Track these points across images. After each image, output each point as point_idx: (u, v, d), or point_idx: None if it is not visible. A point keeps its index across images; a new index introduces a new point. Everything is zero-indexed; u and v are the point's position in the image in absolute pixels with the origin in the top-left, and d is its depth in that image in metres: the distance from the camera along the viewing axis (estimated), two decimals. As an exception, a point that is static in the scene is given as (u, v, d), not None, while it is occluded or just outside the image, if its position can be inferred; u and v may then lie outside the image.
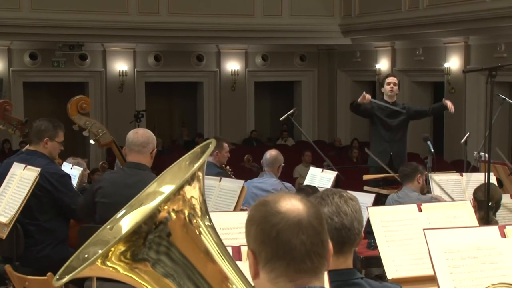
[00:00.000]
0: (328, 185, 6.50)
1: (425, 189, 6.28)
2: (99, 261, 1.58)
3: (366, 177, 7.28)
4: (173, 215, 1.61)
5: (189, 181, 1.66)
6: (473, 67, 12.12)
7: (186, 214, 1.64)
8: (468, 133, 7.93)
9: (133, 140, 4.49)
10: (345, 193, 2.50)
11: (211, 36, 15.13)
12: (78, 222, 5.06)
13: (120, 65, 15.98)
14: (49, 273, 3.74)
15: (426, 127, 14.52)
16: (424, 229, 2.67)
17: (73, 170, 5.94)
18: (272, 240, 1.64)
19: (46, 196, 4.91)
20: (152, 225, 1.59)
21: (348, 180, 8.26)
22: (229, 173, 6.78)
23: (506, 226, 2.63)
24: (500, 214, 5.17)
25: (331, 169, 7.10)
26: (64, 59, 15.55)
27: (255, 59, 17.14)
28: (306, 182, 6.87)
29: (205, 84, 16.98)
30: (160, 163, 4.54)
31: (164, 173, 1.85)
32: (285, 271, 1.64)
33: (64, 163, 6.27)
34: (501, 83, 12.71)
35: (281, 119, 7.92)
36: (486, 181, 4.28)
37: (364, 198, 5.12)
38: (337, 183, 7.00)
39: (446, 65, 13.61)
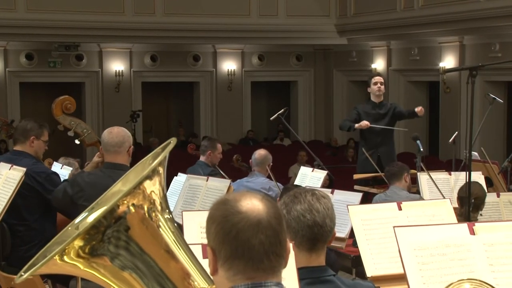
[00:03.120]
0: (318, 184, 6.51)
1: (415, 189, 6.29)
2: (57, 257, 1.59)
3: (356, 176, 7.31)
4: (132, 209, 1.63)
5: (149, 176, 1.68)
6: (454, 67, 12.16)
7: (146, 209, 1.66)
8: (456, 132, 7.92)
9: (108, 141, 4.43)
10: (317, 191, 2.52)
11: (207, 36, 15.15)
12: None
13: (117, 65, 16.00)
14: (34, 273, 3.74)
15: (422, 127, 14.54)
16: (394, 227, 2.69)
17: (63, 170, 5.94)
18: (231, 239, 1.66)
19: (34, 196, 4.90)
20: (112, 220, 1.60)
21: (342, 179, 8.30)
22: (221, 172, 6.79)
23: (475, 224, 2.66)
24: (487, 213, 5.19)
25: (322, 168, 7.12)
26: (60, 59, 15.58)
27: (252, 59, 17.15)
28: (296, 181, 6.89)
29: (202, 84, 16.99)
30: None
31: (128, 173, 1.87)
32: (243, 270, 1.67)
33: (55, 163, 6.29)
34: (497, 83, 12.75)
35: (271, 118, 7.93)
36: (468, 179, 4.29)
37: (352, 197, 5.14)
38: (331, 182, 7.01)
39: (441, 64, 13.61)
